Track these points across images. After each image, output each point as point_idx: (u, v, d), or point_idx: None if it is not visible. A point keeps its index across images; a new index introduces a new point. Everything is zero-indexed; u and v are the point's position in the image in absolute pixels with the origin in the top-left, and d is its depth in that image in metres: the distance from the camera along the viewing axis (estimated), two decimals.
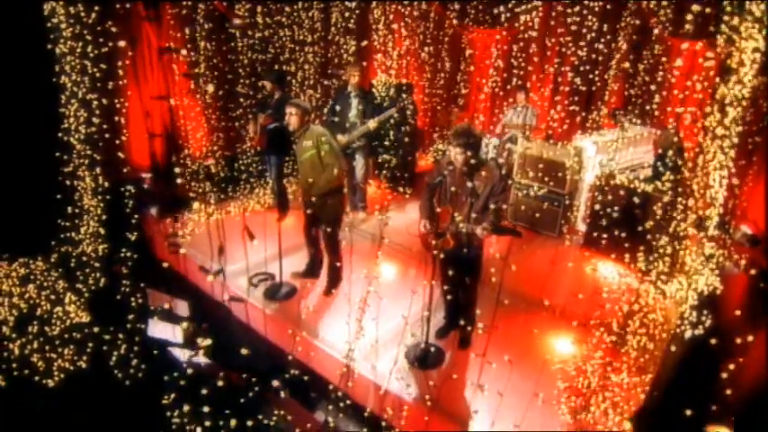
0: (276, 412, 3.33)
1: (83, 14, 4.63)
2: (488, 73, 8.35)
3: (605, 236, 5.32)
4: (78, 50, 4.80)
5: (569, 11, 7.05)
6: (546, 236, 5.98)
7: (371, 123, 5.79)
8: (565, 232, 5.93)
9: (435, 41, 8.32)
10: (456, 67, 8.67)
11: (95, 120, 4.80)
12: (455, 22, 8.40)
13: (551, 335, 4.35)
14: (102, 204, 5.16)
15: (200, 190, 6.59)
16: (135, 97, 5.98)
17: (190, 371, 3.74)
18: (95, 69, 4.73)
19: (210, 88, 6.26)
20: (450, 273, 3.87)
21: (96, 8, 4.63)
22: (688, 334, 4.80)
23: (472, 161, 3.52)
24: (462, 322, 3.99)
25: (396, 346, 3.93)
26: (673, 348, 4.56)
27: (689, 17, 5.33)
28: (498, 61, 8.21)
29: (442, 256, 3.70)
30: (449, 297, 4.09)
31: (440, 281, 3.98)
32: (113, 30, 4.72)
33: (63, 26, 4.87)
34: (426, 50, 8.30)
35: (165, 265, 4.77)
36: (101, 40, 4.67)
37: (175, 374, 3.70)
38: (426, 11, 8.28)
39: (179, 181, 6.25)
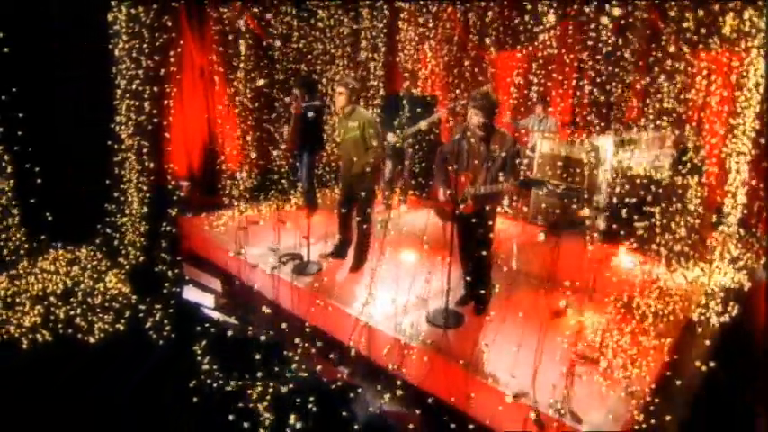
0: (300, 344, 3.49)
1: (142, 16, 5.22)
2: (509, 90, 8.71)
3: (625, 226, 5.42)
4: (135, 48, 5.37)
5: (585, 27, 7.43)
6: (566, 232, 6.08)
7: (423, 123, 6.40)
8: (585, 231, 6.03)
9: (459, 61, 8.79)
10: (478, 85, 9.07)
11: (146, 107, 5.30)
12: (477, 44, 8.88)
13: (570, 307, 4.41)
14: (145, 187, 5.58)
15: (234, 199, 7.02)
16: (177, 111, 6.51)
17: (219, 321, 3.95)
18: (149, 61, 5.27)
19: (260, 81, 6.75)
20: (466, 240, 4.06)
21: (155, 6, 5.21)
22: (714, 320, 4.82)
23: (488, 125, 3.78)
24: (478, 289, 4.14)
25: (416, 311, 4.12)
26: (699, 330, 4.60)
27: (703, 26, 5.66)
28: (518, 78, 8.58)
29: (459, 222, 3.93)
30: (466, 266, 4.25)
31: (458, 251, 4.17)
32: (168, 24, 5.28)
33: (123, 30, 5.48)
34: (450, 70, 8.77)
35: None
36: (156, 34, 5.23)
37: (207, 325, 3.92)
38: (450, 35, 8.83)
39: (216, 190, 6.78)
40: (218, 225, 6.13)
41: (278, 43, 7.21)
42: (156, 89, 5.54)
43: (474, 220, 3.86)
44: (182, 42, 6.35)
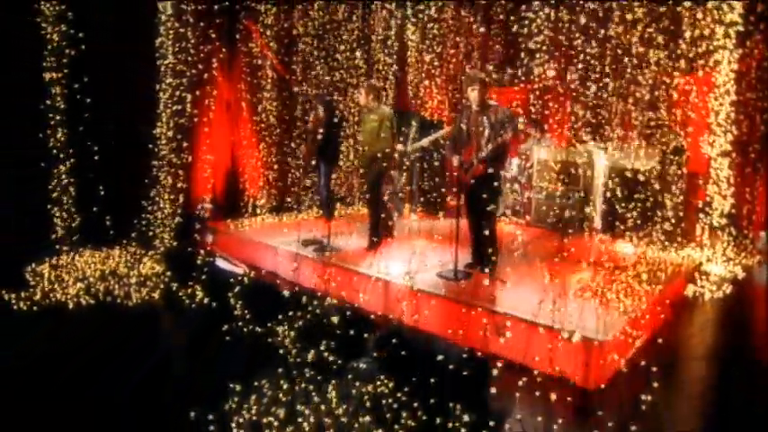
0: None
1: (189, 35, 6.07)
2: None
3: (619, 218, 5.89)
4: (179, 64, 6.19)
5: (575, 60, 8.27)
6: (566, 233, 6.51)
7: (425, 141, 7.18)
8: (584, 227, 6.48)
9: (462, 96, 9.65)
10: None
11: (188, 109, 6.01)
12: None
13: (569, 267, 4.81)
14: (180, 184, 6.17)
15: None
16: (202, 146, 7.22)
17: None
18: (193, 70, 6.06)
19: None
20: (474, 205, 4.54)
21: (201, 24, 6.06)
22: (708, 296, 5.16)
23: (484, 99, 4.41)
24: (484, 249, 4.56)
25: (428, 271, 4.53)
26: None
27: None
28: (519, 109, 9.36)
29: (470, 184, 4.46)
30: (474, 231, 4.69)
31: (467, 218, 4.65)
32: (212, 35, 6.11)
33: (169, 51, 6.33)
34: (454, 106, 9.61)
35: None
36: (200, 47, 6.05)
37: (239, 278, 4.33)
38: (454, 75, 9.77)
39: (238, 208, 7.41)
40: (242, 226, 6.64)
41: (298, 73, 8.11)
42: (196, 94, 6.31)
43: (481, 182, 4.38)
44: (217, 68, 7.23)
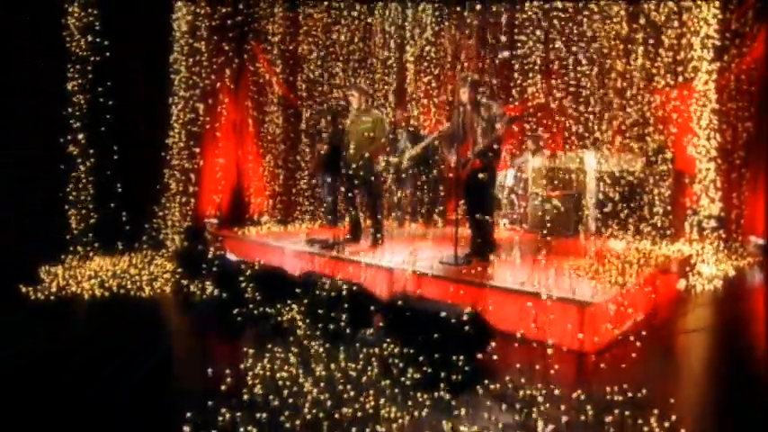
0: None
1: (202, 49, 6.48)
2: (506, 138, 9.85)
3: (612, 217, 6.15)
4: (192, 78, 6.57)
5: (566, 78, 8.72)
6: (562, 236, 6.75)
7: (413, 150, 7.45)
8: (579, 231, 6.73)
9: (456, 97, 10.09)
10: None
11: (200, 118, 6.35)
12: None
13: (565, 256, 5.00)
14: (190, 188, 6.45)
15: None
16: (210, 158, 7.59)
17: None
18: (206, 81, 6.43)
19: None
20: (472, 200, 4.80)
21: (214, 38, 6.48)
22: (699, 288, 5.37)
23: (476, 99, 4.74)
24: (481, 239, 4.80)
25: (430, 259, 4.75)
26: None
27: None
28: (513, 127, 9.74)
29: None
30: (473, 224, 4.93)
31: (466, 212, 4.91)
32: (226, 48, 6.51)
33: (182, 65, 6.73)
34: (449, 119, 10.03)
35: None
36: (213, 58, 6.45)
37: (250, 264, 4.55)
38: (450, 100, 10.24)
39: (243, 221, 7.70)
40: (248, 232, 6.87)
41: (302, 93, 8.56)
42: (207, 104, 6.66)
43: (478, 176, 4.66)
44: (226, 85, 7.64)
